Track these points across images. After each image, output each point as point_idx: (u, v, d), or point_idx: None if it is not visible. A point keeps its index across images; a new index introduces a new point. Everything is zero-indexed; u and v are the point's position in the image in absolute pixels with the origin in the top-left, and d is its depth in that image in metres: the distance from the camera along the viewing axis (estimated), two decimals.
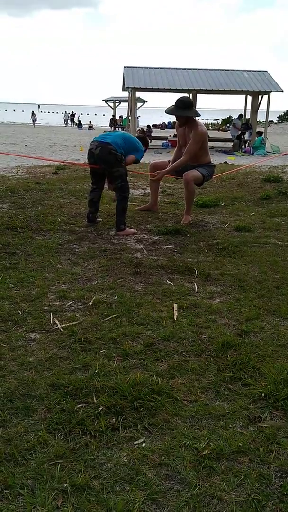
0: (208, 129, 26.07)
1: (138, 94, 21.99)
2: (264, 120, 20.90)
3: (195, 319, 2.82)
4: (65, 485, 1.58)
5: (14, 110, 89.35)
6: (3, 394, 2.05)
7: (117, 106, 34.59)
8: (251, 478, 1.63)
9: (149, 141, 5.57)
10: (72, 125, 40.12)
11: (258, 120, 21.89)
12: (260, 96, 19.67)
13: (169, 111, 5.28)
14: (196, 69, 20.52)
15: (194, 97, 19.58)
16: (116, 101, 33.75)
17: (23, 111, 74.96)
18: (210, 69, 20.62)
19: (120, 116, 33.99)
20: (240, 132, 19.27)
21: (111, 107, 34.54)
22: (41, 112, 76.81)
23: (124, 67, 20.42)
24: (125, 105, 29.85)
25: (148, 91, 20.08)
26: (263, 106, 19.76)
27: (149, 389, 2.07)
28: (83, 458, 1.71)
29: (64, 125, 40.46)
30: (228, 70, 20.61)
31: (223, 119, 45.81)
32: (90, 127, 35.21)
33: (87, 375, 2.20)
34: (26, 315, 2.82)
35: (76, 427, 1.85)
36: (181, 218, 5.38)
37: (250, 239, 4.58)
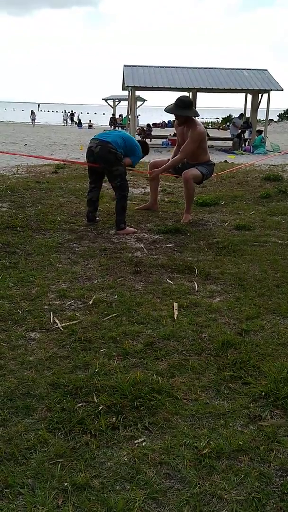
0: (208, 128, 26.13)
1: (138, 93, 21.96)
2: (264, 118, 20.89)
3: (195, 318, 2.82)
4: (66, 484, 1.59)
5: (13, 109, 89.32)
6: (3, 393, 2.05)
7: (117, 105, 34.57)
8: (252, 476, 1.63)
9: (149, 149, 5.46)
10: (72, 124, 40.09)
11: (258, 118, 21.86)
12: (260, 95, 19.64)
13: (168, 110, 5.27)
14: (196, 68, 20.50)
15: (194, 96, 19.56)
16: (116, 100, 33.73)
17: (22, 110, 74.94)
18: (210, 68, 20.59)
19: (120, 115, 33.96)
20: (240, 131, 19.26)
21: (111, 106, 34.51)
22: (41, 111, 76.77)
23: (124, 65, 20.40)
24: (125, 104, 29.82)
25: (148, 90, 20.07)
26: (263, 104, 19.75)
27: (149, 388, 2.07)
28: (84, 457, 1.71)
29: (63, 124, 40.40)
30: (228, 68, 20.58)
31: (223, 118, 45.79)
32: (90, 126, 35.18)
33: (87, 374, 2.20)
34: (26, 314, 2.82)
35: (76, 426, 1.85)
36: (181, 217, 5.37)
37: (250, 238, 4.57)
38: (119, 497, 1.53)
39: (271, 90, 18.98)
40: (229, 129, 23.03)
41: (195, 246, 4.31)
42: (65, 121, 41.52)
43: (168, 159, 5.62)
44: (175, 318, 2.82)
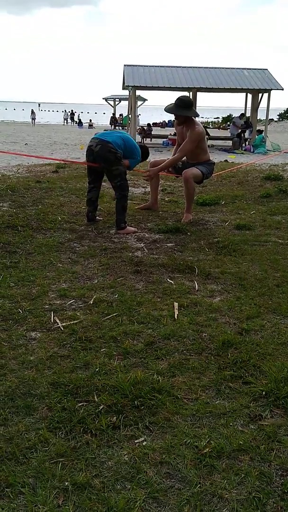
0: (208, 128, 26.08)
1: (138, 92, 21.95)
2: (265, 118, 20.88)
3: (196, 318, 2.82)
4: (66, 483, 1.59)
5: (14, 109, 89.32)
6: (4, 393, 2.05)
7: (117, 104, 34.57)
8: (252, 476, 1.63)
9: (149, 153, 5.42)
10: (73, 124, 40.05)
11: (258, 118, 21.86)
12: (260, 94, 19.64)
13: (168, 110, 5.27)
14: (196, 67, 20.49)
15: (195, 95, 19.55)
16: (116, 100, 33.73)
17: (23, 109, 74.93)
18: (210, 67, 20.58)
19: (120, 115, 33.96)
20: (240, 130, 19.25)
21: (111, 105, 34.51)
22: (42, 110, 76.71)
23: (125, 65, 20.39)
24: (125, 103, 29.80)
25: (149, 89, 20.06)
26: (263, 104, 19.75)
27: (149, 387, 2.07)
28: (84, 457, 1.71)
29: (63, 123, 40.36)
30: (228, 68, 20.57)
31: (223, 118, 45.79)
32: (91, 125, 35.18)
33: (88, 373, 2.21)
34: (26, 314, 2.82)
35: (77, 426, 1.85)
36: (181, 216, 5.38)
37: (250, 237, 4.58)
38: (120, 497, 1.53)
39: (272, 89, 18.98)
40: (229, 128, 23.03)
41: (195, 246, 4.31)
42: (65, 121, 41.48)
43: (168, 159, 5.62)
44: (176, 317, 2.82)
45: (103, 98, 34.55)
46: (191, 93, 19.38)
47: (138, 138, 20.72)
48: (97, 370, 2.23)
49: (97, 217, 5.11)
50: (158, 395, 2.04)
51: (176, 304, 3.00)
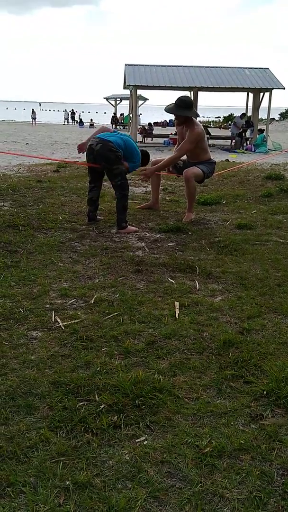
0: (210, 127, 26.07)
1: (139, 91, 21.96)
2: (266, 117, 20.86)
3: (197, 317, 2.82)
4: (67, 482, 1.59)
5: (15, 108, 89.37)
6: (5, 392, 2.05)
7: (118, 104, 34.59)
8: (253, 475, 1.63)
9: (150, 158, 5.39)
10: (73, 123, 40.04)
11: (259, 117, 21.84)
12: (261, 94, 19.64)
13: (168, 110, 5.26)
14: (197, 67, 20.49)
15: (196, 95, 19.55)
16: (117, 99, 33.74)
17: (24, 109, 75.01)
18: (211, 67, 20.58)
19: (121, 114, 33.97)
20: (241, 129, 19.24)
21: (112, 105, 34.53)
22: (43, 110, 76.72)
23: (126, 64, 20.40)
24: (126, 103, 29.81)
25: (150, 89, 20.07)
26: (264, 103, 19.75)
27: (150, 387, 2.07)
28: (85, 456, 1.71)
29: (64, 123, 40.33)
30: (230, 67, 20.57)
31: (224, 117, 45.77)
32: (91, 125, 35.18)
33: (89, 373, 2.21)
34: (27, 313, 2.82)
35: (78, 425, 1.85)
36: (182, 216, 5.37)
37: (251, 237, 4.57)
38: (121, 496, 1.53)
39: (273, 89, 18.98)
40: (230, 128, 23.03)
41: (196, 245, 4.31)
42: (65, 120, 41.46)
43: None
44: (177, 317, 2.82)
45: (104, 98, 34.57)
46: (192, 92, 19.38)
47: (139, 138, 20.72)
48: (98, 369, 2.23)
49: (98, 217, 5.11)
50: (159, 395, 2.04)
51: (177, 303, 2.99)
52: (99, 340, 2.53)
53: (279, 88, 19.05)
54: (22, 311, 2.84)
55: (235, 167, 9.15)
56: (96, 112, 65.90)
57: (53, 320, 2.75)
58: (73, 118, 41.98)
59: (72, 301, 3.03)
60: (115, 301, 3.01)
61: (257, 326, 2.73)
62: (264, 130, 18.75)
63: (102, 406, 1.96)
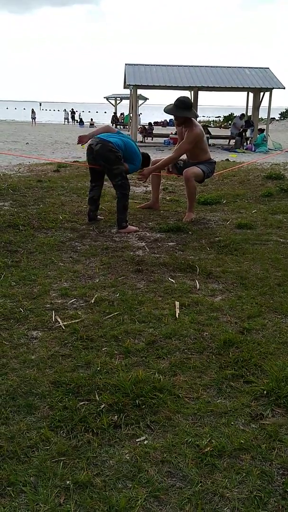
0: (210, 127, 26.05)
1: (139, 91, 21.95)
2: (266, 117, 20.85)
3: (197, 317, 2.82)
4: (68, 482, 1.59)
5: (15, 108, 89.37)
6: (5, 392, 2.05)
7: (119, 103, 34.58)
8: (253, 475, 1.63)
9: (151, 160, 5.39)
10: (73, 123, 40.00)
11: (260, 117, 21.84)
12: (262, 93, 19.62)
13: (167, 111, 5.25)
14: (197, 66, 20.47)
15: (196, 94, 19.54)
16: (118, 99, 33.73)
17: (24, 108, 75.02)
18: (211, 66, 20.56)
19: (122, 114, 33.97)
20: (241, 129, 19.23)
21: (112, 104, 34.53)
22: (43, 110, 76.68)
23: (126, 64, 20.38)
24: (126, 102, 29.81)
25: (150, 88, 20.06)
26: (265, 103, 19.73)
27: (151, 386, 2.07)
28: (86, 456, 1.71)
29: (64, 123, 40.29)
30: (230, 67, 20.55)
31: (224, 116, 45.77)
32: (92, 124, 35.17)
33: (89, 372, 2.21)
34: (28, 313, 2.82)
35: (78, 425, 1.85)
36: (182, 215, 5.37)
37: (252, 237, 4.57)
38: (121, 495, 1.54)
39: (273, 88, 18.95)
40: (230, 128, 23.02)
41: (196, 245, 4.31)
42: (65, 120, 41.42)
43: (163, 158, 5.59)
44: (177, 316, 2.82)
45: (104, 97, 34.56)
46: (192, 92, 19.37)
47: (139, 137, 20.71)
48: (98, 369, 2.23)
49: (98, 216, 5.11)
50: (159, 394, 2.04)
51: (177, 303, 3.00)
52: (99, 339, 2.53)
53: (279, 88, 19.02)
54: (22, 311, 2.84)
55: (235, 167, 9.15)
56: (97, 112, 65.90)
57: (53, 319, 2.75)
58: (73, 117, 41.95)
59: (73, 300, 3.03)
60: (115, 301, 3.01)
61: (258, 325, 2.73)
62: (264, 129, 18.74)
63: (103, 406, 1.96)
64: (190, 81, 19.11)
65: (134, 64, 20.30)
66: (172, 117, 5.33)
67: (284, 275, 3.55)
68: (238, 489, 1.58)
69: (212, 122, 43.26)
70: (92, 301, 3.00)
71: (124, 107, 34.87)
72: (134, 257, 3.89)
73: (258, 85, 19.14)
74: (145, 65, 20.32)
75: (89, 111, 62.63)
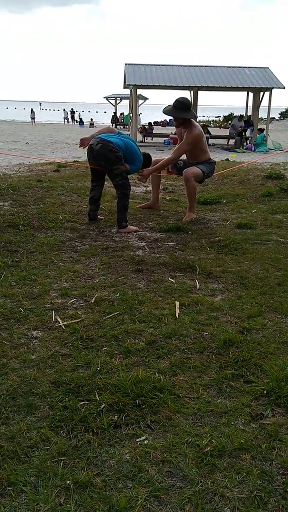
0: (209, 127, 26.04)
1: (139, 91, 21.95)
2: (266, 116, 20.84)
3: (197, 317, 2.82)
4: (68, 482, 1.59)
5: (15, 108, 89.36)
6: (5, 392, 2.05)
7: (119, 103, 34.58)
8: (253, 475, 1.63)
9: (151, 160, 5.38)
10: (73, 123, 39.97)
11: (259, 117, 21.83)
12: (261, 93, 19.62)
13: (166, 112, 5.24)
14: (197, 66, 20.47)
15: (196, 94, 19.54)
16: (118, 98, 33.73)
17: (24, 108, 75.00)
18: (211, 66, 20.56)
19: (122, 113, 33.98)
20: (240, 130, 19.23)
21: (112, 104, 34.52)
22: (43, 109, 76.65)
23: (126, 64, 20.38)
24: (126, 102, 29.80)
25: (150, 88, 20.05)
26: (264, 102, 19.73)
27: (151, 386, 2.07)
28: (86, 455, 1.71)
29: (63, 123, 40.25)
30: (230, 67, 20.55)
31: (224, 116, 45.78)
32: (92, 124, 35.15)
33: (89, 372, 2.21)
34: (28, 313, 2.82)
35: (78, 425, 1.85)
36: (182, 215, 5.38)
37: (252, 236, 4.57)
38: (121, 495, 1.54)
39: (273, 88, 18.96)
40: (229, 128, 23.03)
41: (196, 245, 4.31)
42: (65, 120, 41.37)
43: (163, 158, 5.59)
44: (177, 316, 2.82)
45: (104, 97, 34.55)
46: (192, 91, 19.37)
47: (139, 137, 20.71)
48: (98, 369, 2.23)
49: (98, 216, 5.11)
50: (159, 394, 2.04)
51: (177, 303, 3.00)
52: (99, 339, 2.53)
53: (279, 88, 19.02)
54: (22, 311, 2.84)
55: (235, 167, 9.14)
56: (96, 112, 65.89)
57: (53, 319, 2.75)
58: (73, 117, 41.92)
59: (73, 300, 3.03)
60: (115, 301, 3.01)
61: (258, 325, 2.73)
62: (264, 129, 18.74)
63: (103, 406, 1.96)
64: (190, 81, 19.11)
65: (134, 64, 20.30)
66: (172, 116, 5.32)
67: (284, 275, 3.55)
68: (238, 489, 1.58)
69: (212, 122, 43.28)
70: (92, 301, 3.00)
71: (124, 107, 34.87)
72: (134, 257, 3.89)
73: (258, 85, 19.14)
74: (145, 65, 20.32)
75: (89, 111, 62.64)
